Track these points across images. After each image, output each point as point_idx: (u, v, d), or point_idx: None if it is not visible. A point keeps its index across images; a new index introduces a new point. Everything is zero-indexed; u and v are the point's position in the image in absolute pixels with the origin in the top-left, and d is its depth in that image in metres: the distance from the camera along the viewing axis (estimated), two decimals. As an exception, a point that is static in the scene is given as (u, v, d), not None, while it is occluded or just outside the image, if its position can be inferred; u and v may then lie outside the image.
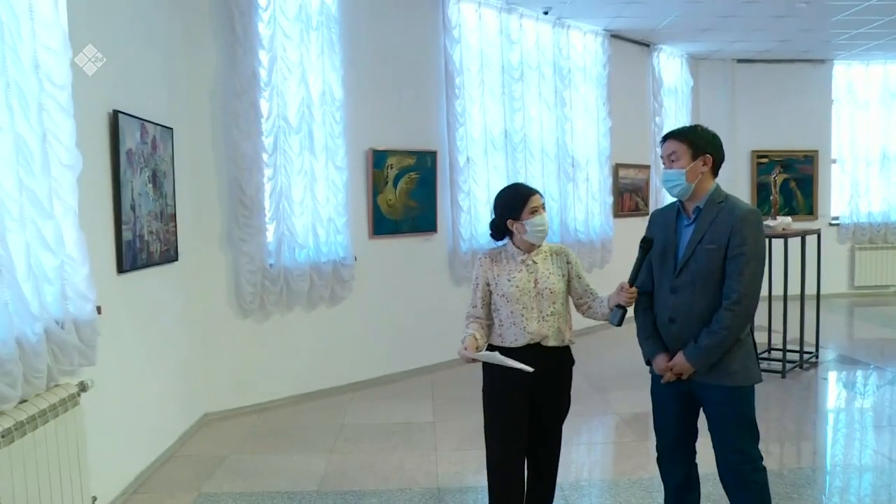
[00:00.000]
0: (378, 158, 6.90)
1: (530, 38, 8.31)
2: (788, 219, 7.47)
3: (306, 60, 6.19)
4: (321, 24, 6.29)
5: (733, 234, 3.11)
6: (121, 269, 4.35)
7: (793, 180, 11.85)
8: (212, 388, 5.82)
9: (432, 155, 7.34)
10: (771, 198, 7.78)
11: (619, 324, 3.30)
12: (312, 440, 5.35)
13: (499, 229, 3.50)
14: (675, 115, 10.82)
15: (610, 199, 9.48)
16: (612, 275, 8.59)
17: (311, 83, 6.23)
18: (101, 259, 4.00)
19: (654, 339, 3.35)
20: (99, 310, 3.69)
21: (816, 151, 11.83)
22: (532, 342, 3.35)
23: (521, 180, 8.02)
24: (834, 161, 11.91)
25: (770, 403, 6.10)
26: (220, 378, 5.87)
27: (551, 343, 3.40)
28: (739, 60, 11.54)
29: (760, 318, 7.13)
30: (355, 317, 6.71)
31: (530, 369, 3.16)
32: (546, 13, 8.33)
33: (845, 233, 11.94)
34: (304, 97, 6.17)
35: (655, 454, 3.49)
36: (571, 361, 3.54)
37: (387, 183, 6.99)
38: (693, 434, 3.43)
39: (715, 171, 3.26)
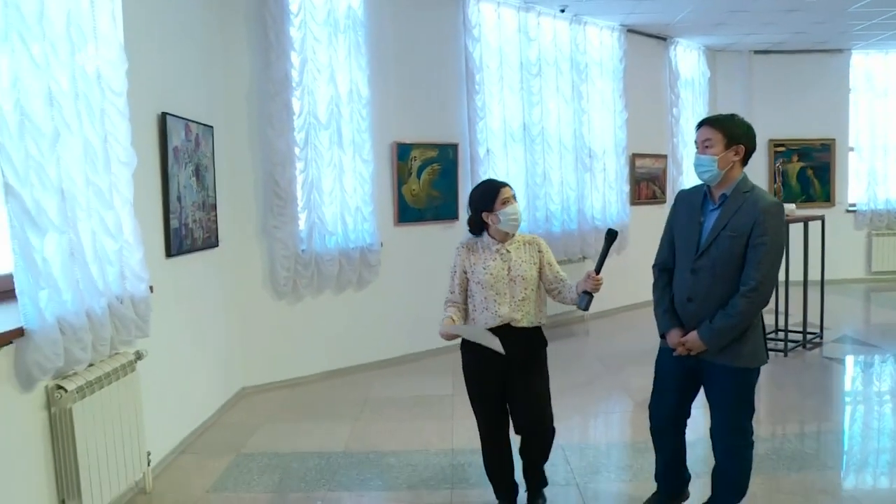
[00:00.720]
0: (402, 151, 7.38)
1: (547, 35, 8.71)
2: (792, 205, 7.82)
3: (334, 61, 6.66)
4: (348, 27, 6.76)
5: (756, 224, 3.24)
6: (169, 254, 4.88)
7: (810, 168, 12.10)
8: (249, 363, 6.35)
9: (454, 147, 7.80)
10: (774, 185, 8.03)
11: (587, 308, 3.54)
12: (339, 410, 5.85)
13: (476, 224, 3.75)
14: (693, 106, 11.13)
15: (626, 188, 9.85)
16: (629, 260, 9.13)
17: (339, 82, 6.71)
18: (152, 244, 4.52)
19: (671, 314, 3.52)
20: (151, 289, 4.22)
21: (833, 140, 12.05)
22: (502, 323, 3.60)
23: (539, 171, 8.53)
24: (851, 149, 12.11)
25: (766, 379, 6.51)
26: (257, 355, 6.40)
27: (521, 324, 3.64)
28: (757, 52, 11.78)
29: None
30: (381, 299, 7.20)
31: (502, 351, 3.42)
32: (563, 11, 8.71)
33: (862, 219, 12.15)
34: (332, 96, 6.65)
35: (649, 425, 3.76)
36: (543, 341, 3.78)
37: (410, 174, 7.46)
38: (687, 411, 3.67)
39: (745, 161, 3.39)
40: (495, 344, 3.40)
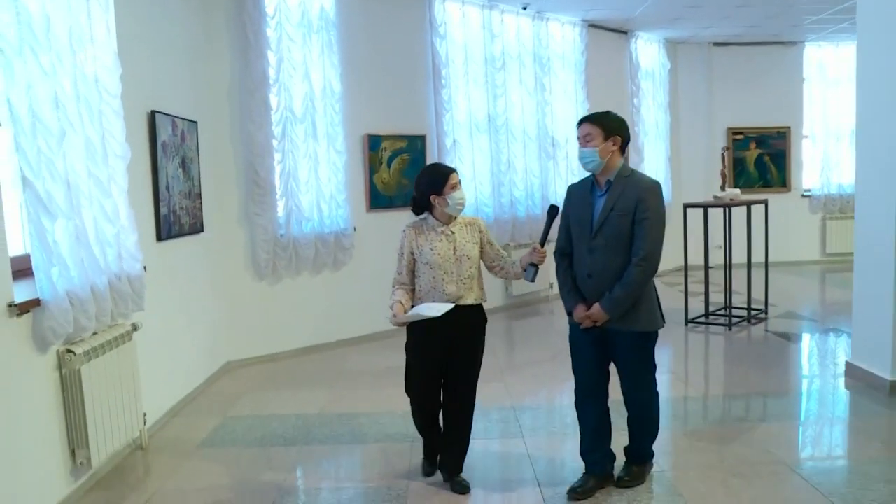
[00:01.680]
0: (373, 142, 7.92)
1: (511, 31, 9.25)
2: (737, 190, 8.43)
3: (309, 60, 7.18)
4: (321, 27, 7.28)
5: (639, 202, 3.61)
6: (159, 238, 5.41)
7: (767, 155, 12.74)
8: (233, 339, 6.88)
9: (422, 138, 8.35)
10: (721, 171, 8.60)
11: (533, 280, 3.90)
12: (316, 380, 6.41)
13: (419, 205, 3.95)
14: (653, 96, 11.73)
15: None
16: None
17: (314, 79, 7.23)
18: (144, 229, 5.04)
19: (575, 293, 3.85)
20: (145, 268, 4.75)
21: (789, 127, 12.68)
22: (450, 302, 3.81)
23: (504, 159, 9.08)
24: (805, 137, 12.74)
25: (704, 349, 7.18)
26: (241, 331, 6.93)
27: (467, 301, 3.90)
28: (716, 44, 12.39)
29: (719, 279, 8.19)
30: (355, 280, 7.74)
31: (450, 305, 3.71)
32: (525, 8, 9.26)
33: (817, 204, 12.80)
34: (307, 91, 7.17)
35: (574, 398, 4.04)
36: (484, 318, 4.05)
37: (381, 163, 8.00)
38: (606, 377, 3.96)
39: (622, 150, 3.76)
40: (444, 307, 3.69)
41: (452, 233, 3.92)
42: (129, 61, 4.73)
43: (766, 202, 8.39)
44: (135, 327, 4.64)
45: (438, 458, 4.20)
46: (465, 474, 4.10)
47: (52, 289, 3.72)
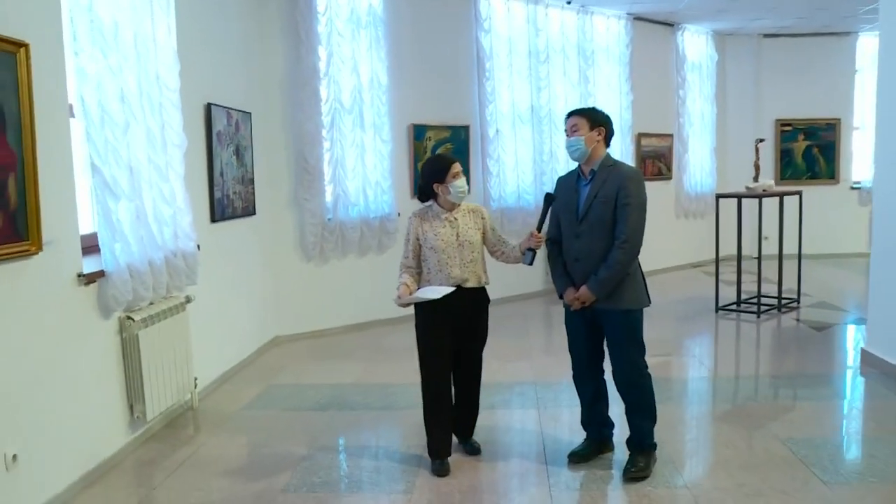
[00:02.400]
0: (418, 132, 8.34)
1: (555, 25, 9.55)
2: (771, 181, 8.60)
3: (357, 54, 7.63)
4: (369, 23, 7.71)
5: (621, 189, 3.84)
6: (213, 219, 5.93)
7: (815, 147, 12.75)
8: (281, 315, 7.40)
9: (465, 128, 8.75)
10: (754, 162, 8.76)
11: (531, 263, 4.09)
12: (355, 355, 6.88)
13: (425, 192, 4.21)
14: (700, 88, 11.87)
15: (632, 165, 10.67)
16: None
17: (361, 72, 7.67)
18: (199, 211, 5.55)
19: (565, 277, 4.07)
20: (198, 247, 5.26)
21: (839, 119, 12.66)
22: (455, 284, 4.04)
23: (546, 149, 9.41)
24: (856, 129, 12.70)
25: (732, 334, 7.47)
26: (288, 308, 7.45)
27: (470, 284, 4.12)
28: (766, 35, 12.43)
29: (753, 268, 8.40)
30: (398, 262, 8.14)
31: (450, 289, 3.95)
32: (569, 2, 9.54)
33: (866, 196, 12.72)
34: (355, 84, 7.62)
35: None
36: (487, 299, 4.30)
37: (426, 152, 8.40)
38: (600, 354, 4.18)
39: (607, 142, 4.01)
40: (444, 290, 3.94)
41: (455, 219, 4.14)
42: (188, 58, 5.22)
43: (800, 193, 8.52)
44: (188, 299, 5.16)
45: (454, 427, 4.41)
46: (478, 437, 4.50)
47: (114, 262, 4.24)
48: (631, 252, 3.89)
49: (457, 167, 4.12)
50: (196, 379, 5.34)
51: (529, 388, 5.72)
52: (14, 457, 3.51)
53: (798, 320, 7.99)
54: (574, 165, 4.12)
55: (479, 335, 4.31)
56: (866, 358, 6.08)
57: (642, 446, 4.11)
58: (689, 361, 6.49)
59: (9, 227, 3.49)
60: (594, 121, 3.97)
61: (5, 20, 3.47)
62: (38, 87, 3.66)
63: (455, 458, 4.30)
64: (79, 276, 4.07)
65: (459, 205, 4.20)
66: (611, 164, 3.98)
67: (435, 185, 4.13)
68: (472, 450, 4.42)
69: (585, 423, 4.36)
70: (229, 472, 4.30)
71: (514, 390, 5.66)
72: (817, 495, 3.77)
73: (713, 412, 5.33)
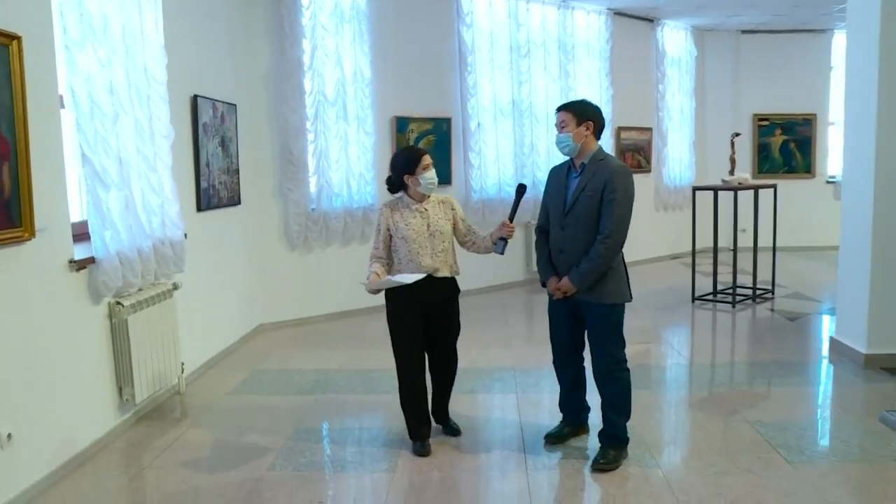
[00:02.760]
0: (401, 124, 8.48)
1: (536, 20, 9.70)
2: (746, 175, 8.82)
3: (341, 47, 7.76)
4: (353, 17, 7.84)
5: (607, 183, 3.85)
6: (199, 209, 6.05)
7: (792, 141, 12.98)
8: (266, 303, 7.53)
9: (447, 121, 8.90)
10: (730, 156, 8.94)
11: (503, 252, 4.22)
12: (339, 342, 7.03)
13: (395, 184, 4.24)
14: (679, 83, 12.07)
15: (621, 161, 10.85)
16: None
17: (345, 65, 7.80)
18: (186, 200, 5.67)
19: (549, 267, 4.15)
20: (185, 235, 5.38)
21: (815, 115, 12.90)
22: (425, 273, 4.10)
23: (527, 142, 9.56)
24: (832, 124, 12.94)
25: (706, 324, 7.68)
26: (272, 297, 7.58)
27: (441, 274, 4.20)
28: (744, 31, 12.64)
29: (730, 260, 8.61)
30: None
31: (421, 275, 4.03)
32: (550, -3, 9.70)
33: (840, 190, 12.99)
34: (339, 77, 7.75)
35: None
36: (457, 289, 4.37)
37: (408, 144, 8.54)
38: (581, 343, 4.28)
39: (597, 135, 4.02)
40: (415, 277, 4.02)
41: (426, 210, 4.20)
42: (175, 51, 5.33)
43: (774, 187, 8.73)
44: (175, 286, 5.28)
45: (430, 408, 4.54)
46: (460, 420, 4.67)
47: (104, 249, 4.37)
48: (613, 247, 3.91)
49: (427, 159, 4.17)
50: (183, 364, 5.46)
51: (509, 373, 5.88)
52: (9, 436, 3.64)
53: (772, 310, 8.18)
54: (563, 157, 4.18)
55: (450, 325, 4.39)
56: (835, 346, 6.29)
57: (614, 440, 4.15)
58: (665, 349, 6.68)
59: (3, 213, 3.61)
60: (581, 115, 3.97)
61: (-1, 13, 3.59)
62: (30, 78, 3.77)
63: (438, 440, 4.46)
64: (70, 262, 4.19)
65: (429, 196, 4.26)
66: (601, 159, 3.98)
67: (405, 177, 4.18)
68: (453, 431, 4.56)
69: (563, 405, 4.47)
70: (216, 453, 4.45)
71: (493, 376, 5.82)
72: (781, 474, 3.96)
73: (688, 398, 5.52)
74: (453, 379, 4.56)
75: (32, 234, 3.81)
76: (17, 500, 3.70)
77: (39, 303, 3.95)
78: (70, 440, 4.21)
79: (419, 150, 4.36)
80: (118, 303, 4.60)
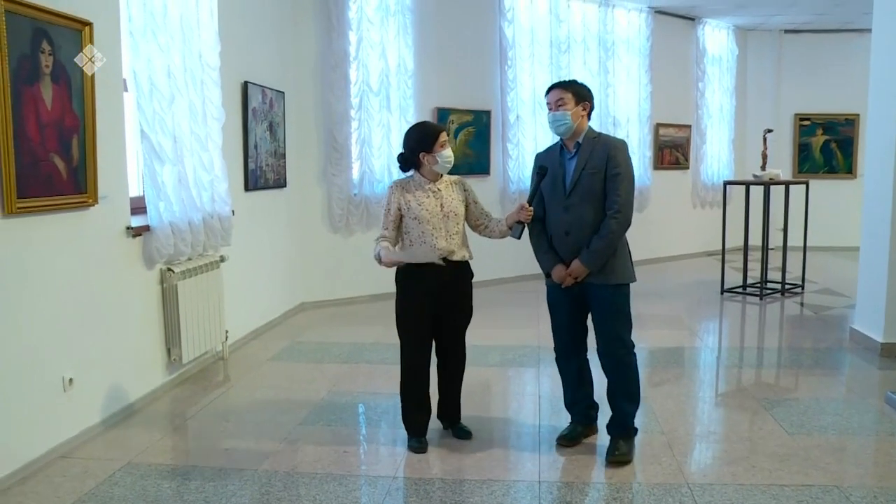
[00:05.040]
0: (442, 115, 8.81)
1: (577, 17, 9.95)
2: (778, 171, 8.94)
3: (385, 40, 8.12)
4: (398, 11, 8.20)
5: (609, 159, 3.77)
6: (247, 188, 6.46)
7: (833, 141, 12.99)
8: (308, 283, 7.93)
9: (487, 113, 9.21)
10: (762, 152, 9.09)
11: (520, 237, 3.97)
12: (376, 320, 7.36)
13: (408, 161, 4.01)
14: (719, 81, 12.19)
15: (649, 154, 11.06)
16: (649, 217, 10.38)
17: (389, 57, 8.16)
18: (235, 179, 6.08)
19: (551, 254, 3.99)
20: (233, 212, 5.79)
21: (858, 115, 12.83)
22: (441, 256, 3.90)
23: (564, 135, 9.77)
24: (875, 124, 12.91)
25: (735, 313, 7.88)
26: (315, 277, 7.97)
27: (456, 257, 3.98)
28: (787, 31, 12.69)
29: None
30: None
31: (440, 261, 3.86)
32: (591, -5, 9.94)
33: (883, 191, 12.98)
34: (383, 68, 8.11)
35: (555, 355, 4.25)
36: (471, 273, 4.15)
37: (448, 135, 8.83)
38: (585, 331, 4.13)
39: (589, 116, 3.93)
40: (433, 254, 3.86)
41: (439, 190, 4.00)
42: (228, 40, 5.73)
43: (806, 184, 8.85)
44: (222, 259, 5.69)
45: (437, 410, 4.36)
46: (480, 393, 4.96)
47: (158, 218, 4.79)
48: (624, 222, 3.83)
49: (444, 136, 3.98)
50: (227, 332, 5.87)
51: (533, 350, 6.17)
52: (70, 380, 4.07)
53: (801, 304, 8.33)
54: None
55: (462, 311, 4.17)
56: (853, 335, 6.46)
57: (624, 430, 4.03)
58: (689, 335, 6.89)
59: (71, 180, 4.03)
60: (580, 96, 3.87)
61: (74, 2, 4.00)
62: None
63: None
64: (127, 228, 4.62)
65: (442, 176, 4.06)
66: (595, 136, 3.91)
67: (421, 155, 3.96)
68: (463, 434, 4.28)
69: (570, 404, 4.28)
70: (254, 409, 4.85)
71: (516, 352, 6.15)
72: (778, 442, 4.19)
73: (701, 377, 5.77)
74: (462, 371, 4.31)
75: (96, 201, 4.24)
76: (75, 440, 4.14)
77: (99, 264, 4.38)
78: (122, 392, 4.63)
79: (435, 126, 4.17)
80: (169, 269, 5.02)
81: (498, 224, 4.12)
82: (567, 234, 3.91)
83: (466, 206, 4.11)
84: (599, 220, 3.84)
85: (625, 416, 4.04)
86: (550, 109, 3.90)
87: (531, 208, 3.95)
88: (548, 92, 3.96)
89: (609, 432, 4.09)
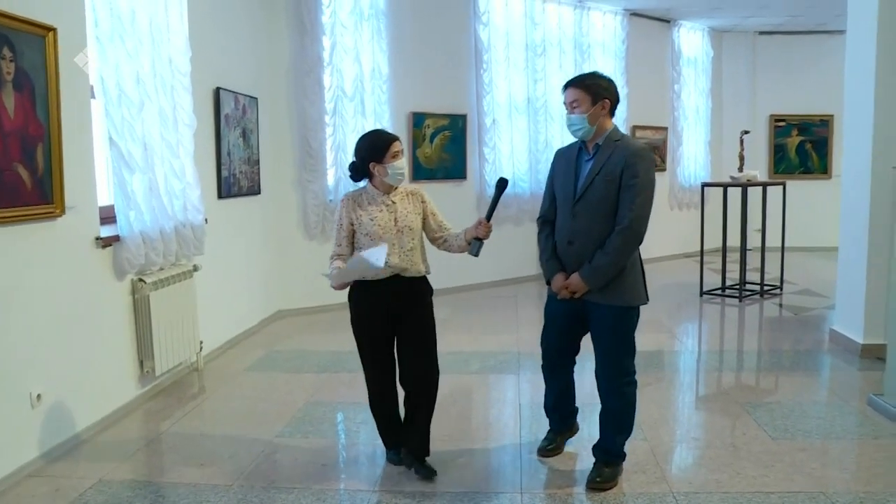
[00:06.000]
0: (417, 120, 8.74)
1: (552, 20, 9.92)
2: (756, 172, 8.96)
3: (359, 44, 8.03)
4: (371, 15, 8.11)
5: (627, 167, 3.40)
6: (220, 196, 6.34)
7: (808, 142, 13.07)
8: (284, 291, 7.81)
9: (463, 117, 9.15)
10: (739, 153, 9.11)
11: (477, 254, 3.68)
12: (355, 327, 7.30)
13: (359, 171, 3.69)
14: (695, 83, 12.23)
15: (642, 142, 11.03)
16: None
17: (364, 62, 8.07)
18: (207, 187, 5.96)
19: (554, 261, 3.66)
20: (206, 220, 5.68)
21: (832, 116, 12.94)
22: (392, 274, 3.61)
23: (542, 139, 9.77)
24: (849, 125, 13.00)
25: (713, 316, 7.86)
26: (291, 284, 7.85)
27: (409, 275, 3.67)
28: (761, 33, 12.75)
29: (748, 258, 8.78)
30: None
31: (384, 248, 3.45)
32: (566, -3, 9.92)
33: (857, 191, 13.08)
34: (357, 73, 8.02)
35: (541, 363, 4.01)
36: (430, 290, 3.82)
37: (424, 139, 8.81)
38: (575, 349, 3.87)
39: (612, 113, 3.55)
40: (382, 255, 3.42)
41: (393, 202, 3.69)
42: (199, 45, 5.63)
43: (783, 185, 8.87)
44: (195, 268, 5.58)
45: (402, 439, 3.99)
46: (462, 401, 4.88)
47: (129, 228, 4.68)
48: (633, 239, 3.47)
49: (397, 146, 3.67)
50: (202, 343, 5.75)
51: (513, 356, 6.12)
52: (38, 396, 3.95)
53: (780, 305, 8.34)
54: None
55: (422, 330, 3.78)
56: (833, 336, 6.46)
57: (612, 456, 3.77)
58: (669, 338, 6.86)
59: (36, 190, 3.91)
60: (597, 93, 3.50)
61: (36, 6, 3.89)
62: (63, 67, 4.09)
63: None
64: (96, 239, 4.50)
65: (397, 187, 3.73)
66: (618, 139, 3.54)
67: (371, 165, 3.65)
68: (428, 473, 3.80)
69: (550, 408, 4.07)
70: (230, 420, 4.75)
71: (497, 357, 6.10)
72: (762, 448, 4.15)
73: (682, 380, 5.74)
74: (432, 399, 3.84)
75: (63, 212, 4.12)
76: (43, 457, 4.01)
77: (68, 276, 4.26)
78: (93, 407, 4.50)
79: (388, 134, 3.77)
80: (141, 280, 4.90)
81: (457, 238, 3.78)
82: (570, 243, 3.59)
83: (424, 219, 3.79)
84: (606, 233, 3.48)
85: (613, 444, 3.75)
86: (567, 111, 3.58)
87: (489, 224, 3.66)
88: (563, 90, 3.61)
89: (594, 454, 3.80)
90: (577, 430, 4.19)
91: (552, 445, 4.06)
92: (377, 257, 3.40)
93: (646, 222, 3.48)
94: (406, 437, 3.90)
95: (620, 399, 3.68)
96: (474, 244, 3.67)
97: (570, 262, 3.60)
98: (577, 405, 4.14)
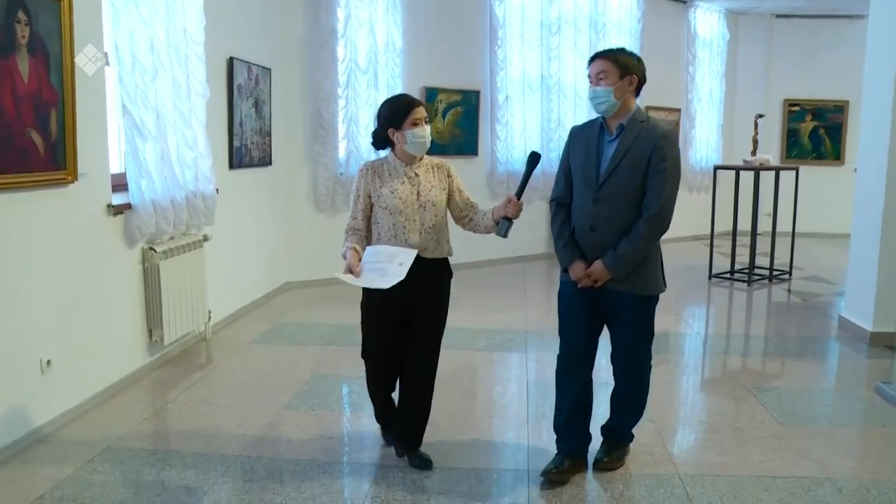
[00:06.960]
0: (430, 94, 8.69)
1: (568, -2, 9.85)
2: (768, 156, 8.90)
3: (374, 17, 7.97)
4: (387, -13, 8.07)
5: (655, 150, 3.23)
6: (231, 166, 6.33)
7: (822, 128, 12.97)
8: (292, 263, 7.81)
9: (476, 93, 9.09)
10: (752, 137, 9.05)
11: (506, 235, 3.42)
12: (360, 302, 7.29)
13: (380, 138, 3.45)
14: (710, 65, 12.12)
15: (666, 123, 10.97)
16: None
17: (378, 34, 8.02)
18: (219, 157, 5.95)
19: (573, 247, 3.44)
20: (217, 190, 5.66)
21: (847, 101, 12.81)
22: (416, 251, 3.33)
23: (554, 117, 9.71)
24: (865, 111, 12.88)
25: (722, 299, 7.85)
26: (299, 256, 7.85)
27: (429, 255, 3.43)
28: (778, 16, 12.62)
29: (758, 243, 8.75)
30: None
31: (412, 253, 3.28)
32: (583, -24, 9.81)
33: (871, 178, 12.99)
34: (371, 46, 7.97)
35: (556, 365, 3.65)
36: (450, 273, 3.58)
37: (437, 114, 8.77)
38: (595, 343, 3.58)
39: (638, 92, 3.37)
40: (404, 254, 3.26)
41: (416, 175, 3.45)
42: (213, 14, 5.57)
43: (796, 169, 8.80)
44: (205, 238, 5.57)
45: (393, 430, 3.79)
46: (467, 378, 4.89)
47: (140, 196, 4.67)
48: (660, 228, 3.33)
49: (419, 112, 3.40)
50: (210, 312, 5.76)
51: (520, 334, 6.12)
52: (48, 362, 3.96)
53: (788, 290, 8.31)
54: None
55: (437, 314, 3.58)
56: (842, 323, 6.44)
57: (620, 437, 3.73)
58: (677, 320, 6.85)
59: (49, 156, 3.90)
60: (625, 67, 3.30)
61: (51, -30, 3.86)
62: (78, 32, 4.05)
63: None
64: (108, 206, 4.49)
65: (421, 158, 3.49)
66: (643, 120, 3.35)
67: (390, 131, 3.40)
68: (423, 463, 3.62)
69: (561, 427, 3.64)
70: (236, 391, 4.77)
71: (505, 335, 6.09)
72: (769, 433, 4.15)
73: (691, 365, 5.73)
74: (428, 388, 3.63)
75: (75, 178, 4.11)
76: (52, 423, 4.03)
77: (79, 243, 4.26)
78: (102, 373, 4.52)
79: (410, 99, 3.52)
80: (151, 248, 4.90)
81: (484, 218, 3.54)
82: (592, 229, 3.38)
83: (449, 196, 3.54)
84: (632, 220, 3.32)
85: (623, 425, 3.70)
86: (591, 83, 3.36)
87: (520, 202, 3.40)
88: (589, 63, 3.40)
89: (602, 434, 3.74)
90: (587, 468, 3.67)
91: (561, 469, 3.55)
92: (399, 262, 3.20)
93: (672, 209, 3.33)
94: (401, 425, 3.68)
95: (638, 383, 3.63)
96: (503, 224, 3.40)
97: (590, 249, 3.40)
98: (590, 434, 3.72)
